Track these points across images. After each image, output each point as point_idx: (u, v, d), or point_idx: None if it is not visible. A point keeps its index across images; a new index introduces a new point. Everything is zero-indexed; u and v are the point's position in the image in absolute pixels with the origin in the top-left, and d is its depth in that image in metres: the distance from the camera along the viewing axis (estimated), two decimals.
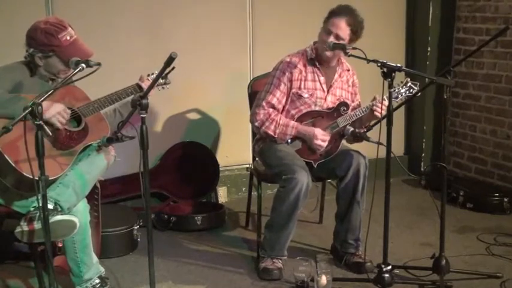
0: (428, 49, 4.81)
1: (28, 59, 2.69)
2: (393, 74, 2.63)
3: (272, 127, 3.19)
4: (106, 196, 3.73)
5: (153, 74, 2.99)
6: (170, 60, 2.18)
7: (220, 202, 4.26)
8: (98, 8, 3.85)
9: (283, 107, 3.24)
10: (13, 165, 2.44)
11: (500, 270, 3.13)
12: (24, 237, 2.46)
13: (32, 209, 2.48)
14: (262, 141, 3.32)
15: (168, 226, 3.77)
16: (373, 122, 3.19)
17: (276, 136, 3.18)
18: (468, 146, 4.78)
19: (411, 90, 3.16)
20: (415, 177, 4.90)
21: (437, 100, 4.86)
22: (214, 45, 4.23)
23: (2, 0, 3.61)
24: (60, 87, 2.46)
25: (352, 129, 3.18)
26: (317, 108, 3.23)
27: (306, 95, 3.21)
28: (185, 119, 4.26)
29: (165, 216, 3.78)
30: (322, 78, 3.24)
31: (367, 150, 3.14)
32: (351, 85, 3.35)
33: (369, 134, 3.11)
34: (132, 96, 2.76)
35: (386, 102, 2.73)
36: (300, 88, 3.21)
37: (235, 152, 4.41)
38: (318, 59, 3.23)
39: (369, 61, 2.71)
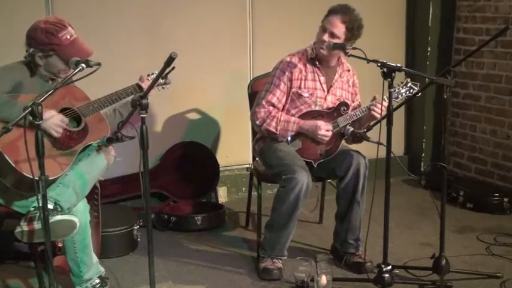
0: (428, 49, 4.81)
1: (28, 59, 2.69)
2: (393, 74, 2.63)
3: (273, 124, 3.18)
4: (106, 196, 3.73)
5: (153, 74, 2.99)
6: (170, 60, 2.18)
7: (220, 202, 4.26)
8: (98, 8, 3.85)
9: (283, 106, 3.24)
10: (13, 165, 2.44)
11: (500, 270, 3.13)
12: (24, 237, 2.46)
13: (32, 209, 2.48)
14: (263, 141, 3.32)
15: (168, 226, 3.76)
16: (373, 122, 3.19)
17: (277, 133, 3.18)
18: (468, 146, 4.78)
19: (411, 91, 3.16)
20: (415, 177, 4.90)
21: (437, 100, 4.85)
22: (214, 45, 4.23)
23: (2, 0, 3.60)
24: (60, 87, 2.46)
25: (352, 129, 3.18)
26: (317, 108, 3.23)
27: (306, 95, 3.21)
28: (185, 119, 4.25)
29: (165, 216, 3.78)
30: (322, 78, 3.24)
31: (367, 150, 3.14)
32: (351, 85, 3.35)
33: (369, 134, 3.11)
34: (132, 96, 2.76)
35: (386, 103, 2.73)
36: (300, 87, 3.21)
37: (235, 152, 4.41)
38: (318, 58, 3.23)
39: (369, 61, 2.71)
